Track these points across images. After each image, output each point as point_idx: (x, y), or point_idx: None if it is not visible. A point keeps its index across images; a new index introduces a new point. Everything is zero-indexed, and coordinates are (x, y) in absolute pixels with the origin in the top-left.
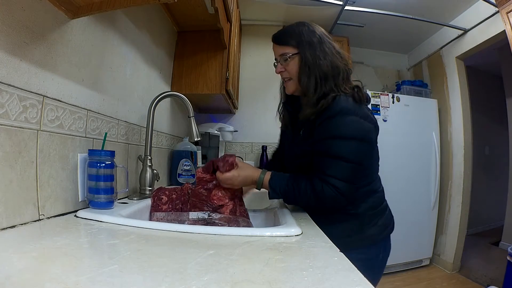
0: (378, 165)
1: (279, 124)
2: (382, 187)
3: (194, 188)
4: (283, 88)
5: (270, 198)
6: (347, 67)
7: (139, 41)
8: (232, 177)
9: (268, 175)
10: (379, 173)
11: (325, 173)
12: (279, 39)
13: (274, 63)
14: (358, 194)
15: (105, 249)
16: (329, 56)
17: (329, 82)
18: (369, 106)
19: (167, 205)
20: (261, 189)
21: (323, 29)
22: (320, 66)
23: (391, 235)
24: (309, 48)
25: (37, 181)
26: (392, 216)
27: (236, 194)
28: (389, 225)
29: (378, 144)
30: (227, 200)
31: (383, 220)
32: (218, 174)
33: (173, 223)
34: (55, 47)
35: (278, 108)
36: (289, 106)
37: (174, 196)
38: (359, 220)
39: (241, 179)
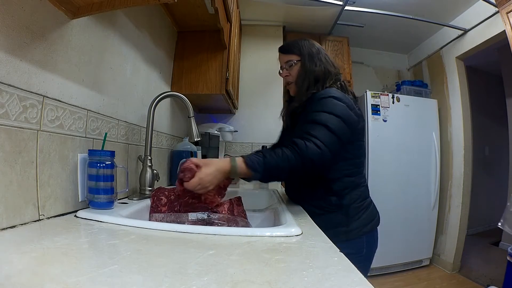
0: (364, 162)
1: (280, 124)
2: (366, 183)
3: (182, 200)
4: (287, 91)
5: (250, 181)
6: (338, 73)
7: (139, 41)
8: (199, 180)
9: (240, 158)
10: (374, 175)
11: (309, 133)
12: (285, 49)
13: (279, 71)
14: (342, 184)
15: (105, 249)
16: (324, 64)
17: (319, 84)
18: (369, 107)
19: (166, 206)
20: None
21: (320, 45)
22: (315, 71)
23: (390, 234)
24: (308, 57)
25: (37, 181)
26: (377, 212)
27: (221, 186)
28: (373, 220)
29: (376, 144)
30: (218, 198)
31: (366, 214)
32: (186, 185)
33: (173, 223)
34: (55, 47)
35: (281, 112)
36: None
37: (173, 197)
38: (345, 211)
39: (211, 177)
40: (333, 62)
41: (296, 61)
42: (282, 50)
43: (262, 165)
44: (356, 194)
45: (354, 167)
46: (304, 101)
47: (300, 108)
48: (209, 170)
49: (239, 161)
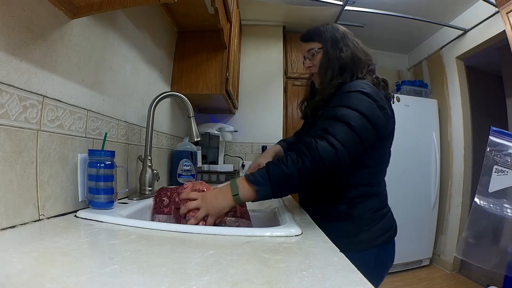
0: (386, 170)
1: (280, 124)
2: (386, 192)
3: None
4: (310, 85)
5: (259, 199)
6: (370, 61)
7: (139, 41)
8: (202, 198)
9: (241, 177)
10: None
11: (324, 130)
12: (305, 37)
13: (303, 61)
14: (357, 192)
15: (105, 249)
16: (351, 49)
17: (346, 73)
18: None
19: (168, 207)
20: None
21: (346, 29)
22: (340, 58)
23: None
24: (332, 43)
25: (37, 181)
26: (394, 223)
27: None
28: (388, 231)
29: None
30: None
31: (380, 225)
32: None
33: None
34: (55, 47)
35: (300, 102)
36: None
37: (176, 199)
38: (354, 221)
39: (213, 197)
40: (364, 48)
41: (318, 49)
42: (302, 38)
43: (266, 176)
44: (370, 203)
45: (374, 176)
46: (329, 95)
47: (322, 102)
48: (209, 192)
49: (240, 179)
